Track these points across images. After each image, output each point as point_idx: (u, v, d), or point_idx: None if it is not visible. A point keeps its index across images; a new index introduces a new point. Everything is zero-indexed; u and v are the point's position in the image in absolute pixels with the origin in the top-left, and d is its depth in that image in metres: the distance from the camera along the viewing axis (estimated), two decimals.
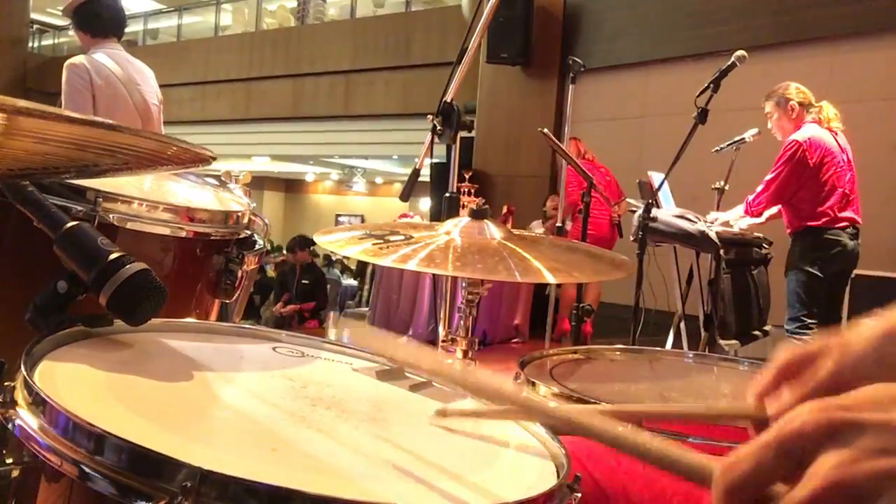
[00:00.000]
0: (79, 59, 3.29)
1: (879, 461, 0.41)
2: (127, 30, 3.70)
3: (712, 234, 3.83)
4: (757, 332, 4.24)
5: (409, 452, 0.75)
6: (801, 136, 3.82)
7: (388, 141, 13.57)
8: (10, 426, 0.66)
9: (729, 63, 3.18)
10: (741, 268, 4.11)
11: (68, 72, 3.23)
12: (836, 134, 3.91)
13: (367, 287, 9.21)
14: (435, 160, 2.13)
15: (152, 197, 1.36)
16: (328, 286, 9.00)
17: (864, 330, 0.50)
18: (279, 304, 8.25)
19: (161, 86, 3.59)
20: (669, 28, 6.89)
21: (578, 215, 4.42)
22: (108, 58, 3.31)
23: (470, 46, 1.91)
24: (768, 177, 3.87)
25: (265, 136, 15.04)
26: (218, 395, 0.82)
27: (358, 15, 13.70)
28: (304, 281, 8.26)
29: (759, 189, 3.91)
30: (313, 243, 10.54)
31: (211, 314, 1.53)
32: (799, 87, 3.96)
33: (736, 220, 4.07)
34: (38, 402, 0.65)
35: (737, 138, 4.40)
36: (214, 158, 0.89)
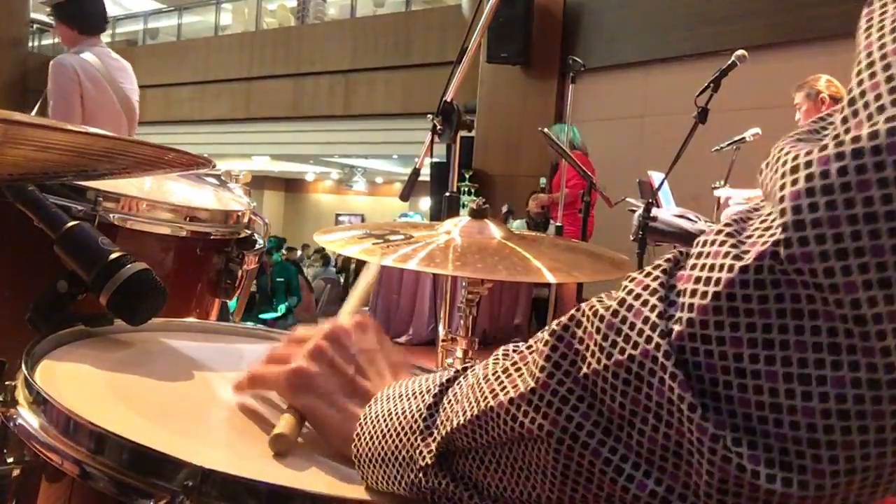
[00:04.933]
0: (67, 58, 3.24)
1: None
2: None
3: None
4: None
5: None
6: None
7: (388, 141, 13.57)
8: (10, 425, 0.66)
9: (729, 63, 3.18)
10: None
11: (56, 72, 3.17)
12: None
13: (351, 279, 9.40)
14: (435, 160, 2.12)
15: (152, 197, 1.36)
16: (325, 283, 9.03)
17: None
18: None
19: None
20: (669, 28, 6.89)
21: (579, 214, 4.41)
22: (94, 57, 3.27)
23: (470, 46, 1.91)
24: None
25: (265, 136, 15.03)
26: (218, 394, 0.82)
27: (358, 15, 13.70)
28: (279, 279, 8.34)
29: None
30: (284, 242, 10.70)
31: (211, 314, 1.53)
32: (830, 80, 3.84)
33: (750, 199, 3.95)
34: (39, 402, 0.65)
35: (737, 138, 4.38)
36: (211, 164, 0.89)
